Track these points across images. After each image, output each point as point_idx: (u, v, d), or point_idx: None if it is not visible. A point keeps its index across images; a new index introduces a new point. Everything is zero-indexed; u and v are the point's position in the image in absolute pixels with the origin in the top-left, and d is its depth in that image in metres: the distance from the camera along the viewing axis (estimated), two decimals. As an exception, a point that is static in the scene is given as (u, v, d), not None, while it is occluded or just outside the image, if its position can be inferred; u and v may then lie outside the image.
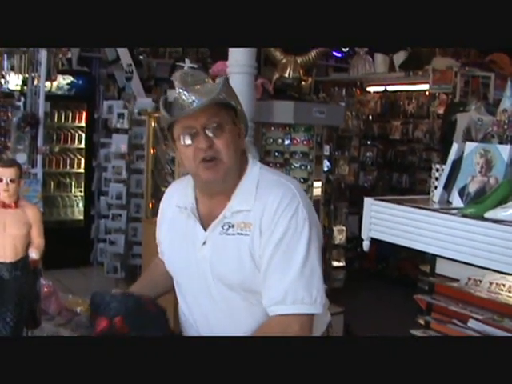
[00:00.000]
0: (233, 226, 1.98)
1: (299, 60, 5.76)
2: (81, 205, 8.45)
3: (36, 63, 6.34)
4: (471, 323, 2.65)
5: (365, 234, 2.76)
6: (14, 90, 6.61)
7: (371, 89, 9.11)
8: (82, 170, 8.33)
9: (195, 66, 6.05)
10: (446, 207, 2.63)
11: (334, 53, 9.80)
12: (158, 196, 6.00)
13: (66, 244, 7.28)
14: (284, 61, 5.78)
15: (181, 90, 1.92)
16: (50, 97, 6.95)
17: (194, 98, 1.89)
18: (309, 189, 5.51)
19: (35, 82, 6.37)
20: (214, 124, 1.94)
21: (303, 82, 5.80)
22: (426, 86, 7.59)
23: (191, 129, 1.94)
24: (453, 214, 2.48)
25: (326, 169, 5.93)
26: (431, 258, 2.92)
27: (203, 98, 1.88)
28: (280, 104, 5.49)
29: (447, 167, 2.73)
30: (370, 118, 9.07)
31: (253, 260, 1.96)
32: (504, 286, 2.64)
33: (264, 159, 5.40)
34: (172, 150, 5.68)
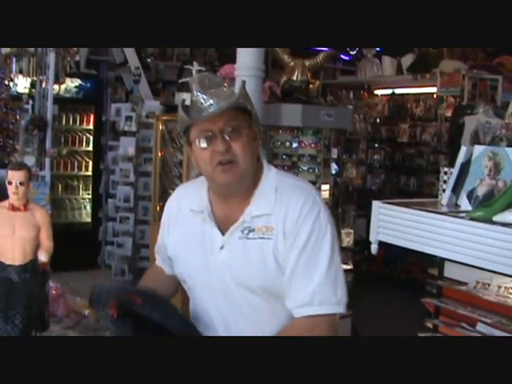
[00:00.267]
0: (253, 231, 1.99)
1: (307, 63, 5.76)
2: (88, 207, 8.47)
3: (44, 66, 6.36)
4: (479, 327, 2.64)
5: (373, 237, 2.76)
6: (22, 93, 6.64)
7: (379, 92, 9.10)
8: (89, 173, 8.35)
9: (203, 68, 6.07)
10: (454, 210, 2.62)
11: (342, 56, 9.79)
12: (165, 199, 5.97)
13: (74, 246, 7.29)
14: (292, 64, 5.78)
15: (199, 93, 1.93)
16: (58, 100, 6.98)
17: (211, 101, 1.90)
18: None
19: (43, 85, 6.39)
20: (232, 127, 1.95)
21: (311, 85, 5.80)
22: (433, 89, 7.57)
23: (209, 132, 1.94)
24: (461, 218, 2.47)
25: (333, 172, 5.93)
26: (439, 262, 2.92)
27: (221, 101, 1.90)
28: (288, 107, 5.49)
29: (455, 170, 2.72)
30: (378, 120, 9.06)
31: (277, 263, 1.97)
32: (512, 289, 2.64)
33: (272, 162, 5.37)
34: (181, 152, 5.70)
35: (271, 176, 2.08)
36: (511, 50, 6.59)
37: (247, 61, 4.78)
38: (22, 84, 6.64)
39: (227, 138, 1.94)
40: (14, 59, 6.35)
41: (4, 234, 2.11)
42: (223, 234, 2.04)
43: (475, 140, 2.86)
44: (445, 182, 2.83)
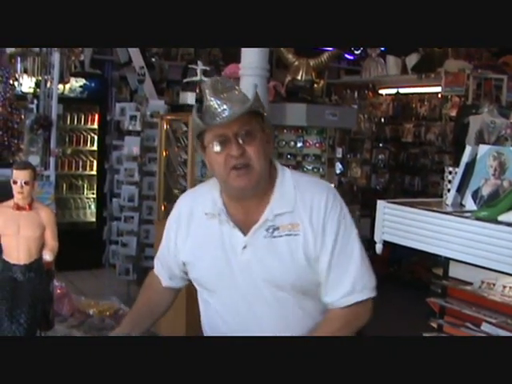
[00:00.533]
0: (278, 229, 2.03)
1: (311, 62, 5.76)
2: (93, 207, 8.48)
3: (49, 66, 6.38)
4: (484, 327, 2.64)
5: (377, 237, 2.76)
6: (27, 93, 6.65)
7: (383, 91, 9.09)
8: (94, 172, 8.37)
9: (208, 68, 6.07)
10: (459, 210, 2.62)
11: (347, 55, 9.77)
12: (170, 198, 6.00)
13: (79, 246, 7.30)
14: (296, 63, 5.78)
15: (212, 99, 1.95)
16: (63, 99, 6.99)
17: (225, 106, 1.92)
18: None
19: (48, 85, 6.41)
20: (245, 131, 1.97)
21: (315, 85, 5.81)
22: (438, 89, 7.55)
23: (223, 136, 1.96)
24: (466, 217, 2.47)
25: (338, 171, 5.93)
26: (444, 261, 2.91)
27: (234, 106, 1.92)
28: (292, 106, 5.49)
29: (460, 170, 2.72)
30: (382, 120, 9.04)
31: (306, 257, 2.03)
32: (517, 289, 2.63)
33: (276, 162, 5.40)
34: (185, 151, 5.70)
35: (287, 175, 2.12)
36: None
37: (252, 60, 4.79)
38: (26, 84, 6.65)
39: (241, 142, 1.96)
40: (19, 59, 6.36)
41: (9, 234, 2.11)
42: (244, 234, 2.05)
43: (480, 140, 2.86)
44: (449, 181, 2.83)
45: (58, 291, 2.66)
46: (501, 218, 2.32)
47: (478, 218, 2.41)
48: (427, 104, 8.51)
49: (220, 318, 2.16)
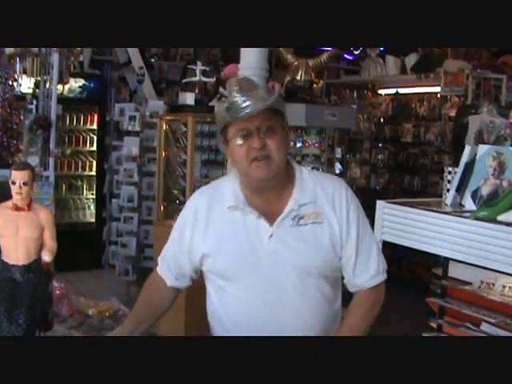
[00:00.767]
0: (303, 218, 2.19)
1: (311, 63, 5.76)
2: (92, 207, 8.48)
3: (48, 66, 6.37)
4: (484, 326, 2.64)
5: (377, 237, 2.76)
6: (26, 93, 6.64)
7: (383, 91, 9.08)
8: (93, 173, 8.36)
9: (207, 68, 6.07)
10: (458, 210, 2.62)
11: (346, 55, 9.77)
12: (169, 199, 6.00)
13: (78, 246, 7.30)
14: (295, 63, 5.77)
15: (238, 95, 2.10)
16: (62, 99, 6.99)
17: (249, 102, 2.07)
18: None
19: (47, 85, 6.40)
20: (267, 126, 2.12)
21: (315, 85, 5.80)
22: (437, 89, 7.55)
23: (245, 130, 2.11)
24: (465, 217, 2.47)
25: (337, 171, 5.92)
26: (444, 261, 2.91)
27: (258, 103, 2.08)
28: (292, 107, 5.47)
29: (460, 170, 2.72)
30: (382, 120, 9.03)
31: (332, 244, 2.20)
32: (517, 289, 2.63)
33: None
34: (184, 152, 5.69)
35: (304, 172, 2.30)
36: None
37: (251, 60, 4.78)
38: (25, 84, 6.63)
39: (262, 135, 2.12)
40: (18, 59, 6.35)
41: (8, 234, 2.11)
42: (269, 223, 2.18)
43: (479, 139, 2.86)
44: (449, 181, 2.83)
45: (58, 292, 2.65)
46: (500, 217, 2.32)
47: (477, 218, 2.41)
48: (426, 104, 8.51)
49: (241, 304, 2.23)
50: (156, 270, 2.40)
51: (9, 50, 6.15)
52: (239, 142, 2.13)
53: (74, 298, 2.84)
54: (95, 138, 8.29)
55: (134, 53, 7.92)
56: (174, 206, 5.79)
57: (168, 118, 6.23)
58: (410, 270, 7.86)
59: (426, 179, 8.47)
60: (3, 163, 5.65)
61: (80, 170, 8.32)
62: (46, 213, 2.18)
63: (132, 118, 7.18)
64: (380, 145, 8.97)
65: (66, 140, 8.12)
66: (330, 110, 5.59)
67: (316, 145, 5.59)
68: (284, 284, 2.18)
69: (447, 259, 2.81)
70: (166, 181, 6.15)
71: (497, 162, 2.52)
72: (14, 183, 2.08)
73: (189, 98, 5.83)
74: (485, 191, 2.56)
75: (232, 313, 2.25)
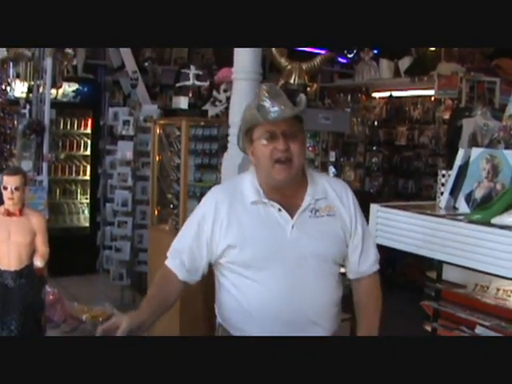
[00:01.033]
0: (318, 210, 2.41)
1: (304, 66, 5.74)
2: (86, 212, 8.46)
3: (41, 70, 6.35)
4: (478, 330, 2.63)
5: (371, 241, 2.75)
6: (19, 98, 6.61)
7: (376, 94, 9.10)
8: (87, 177, 8.34)
9: (200, 72, 6.06)
10: (452, 213, 2.62)
11: (339, 59, 9.78)
12: (163, 203, 5.98)
13: (72, 251, 7.29)
14: (289, 67, 5.76)
15: (268, 100, 2.28)
16: (56, 104, 6.97)
17: (277, 107, 2.26)
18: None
19: (41, 90, 6.39)
20: (291, 131, 2.31)
21: (308, 89, 5.79)
22: (431, 92, 7.57)
23: (271, 132, 2.30)
24: (459, 220, 2.47)
25: (331, 175, 5.91)
26: (438, 264, 2.91)
27: (285, 108, 2.27)
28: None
29: (453, 173, 2.72)
30: (376, 123, 9.05)
31: (344, 233, 2.44)
32: (511, 292, 2.63)
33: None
34: (178, 156, 5.68)
35: (313, 172, 2.54)
36: (509, 52, 6.60)
37: (244, 64, 4.77)
38: (19, 88, 6.60)
39: (287, 139, 2.30)
40: (11, 64, 6.33)
41: (-1, 240, 2.10)
42: (290, 215, 2.38)
43: (473, 142, 2.86)
44: (443, 184, 2.83)
45: (51, 297, 2.64)
46: (494, 220, 2.32)
47: (471, 221, 2.41)
48: (420, 107, 8.53)
49: (266, 291, 2.35)
50: (166, 264, 2.45)
51: (2, 55, 6.14)
52: (264, 142, 2.31)
53: (67, 303, 2.82)
54: (89, 142, 8.27)
55: (127, 57, 7.91)
56: (168, 210, 5.77)
57: (162, 122, 6.22)
58: (404, 272, 7.85)
59: (420, 182, 8.49)
60: (-4, 168, 5.64)
61: (74, 174, 8.30)
62: (38, 218, 2.17)
63: (126, 122, 7.18)
64: (374, 148, 8.98)
65: (60, 144, 8.09)
66: (323, 114, 5.58)
67: (310, 148, 5.59)
68: (304, 270, 2.36)
69: (441, 262, 2.80)
70: (160, 185, 6.14)
71: (490, 165, 2.52)
72: (5, 188, 2.08)
73: (182, 102, 5.82)
74: (478, 194, 2.56)
75: (256, 299, 2.36)
